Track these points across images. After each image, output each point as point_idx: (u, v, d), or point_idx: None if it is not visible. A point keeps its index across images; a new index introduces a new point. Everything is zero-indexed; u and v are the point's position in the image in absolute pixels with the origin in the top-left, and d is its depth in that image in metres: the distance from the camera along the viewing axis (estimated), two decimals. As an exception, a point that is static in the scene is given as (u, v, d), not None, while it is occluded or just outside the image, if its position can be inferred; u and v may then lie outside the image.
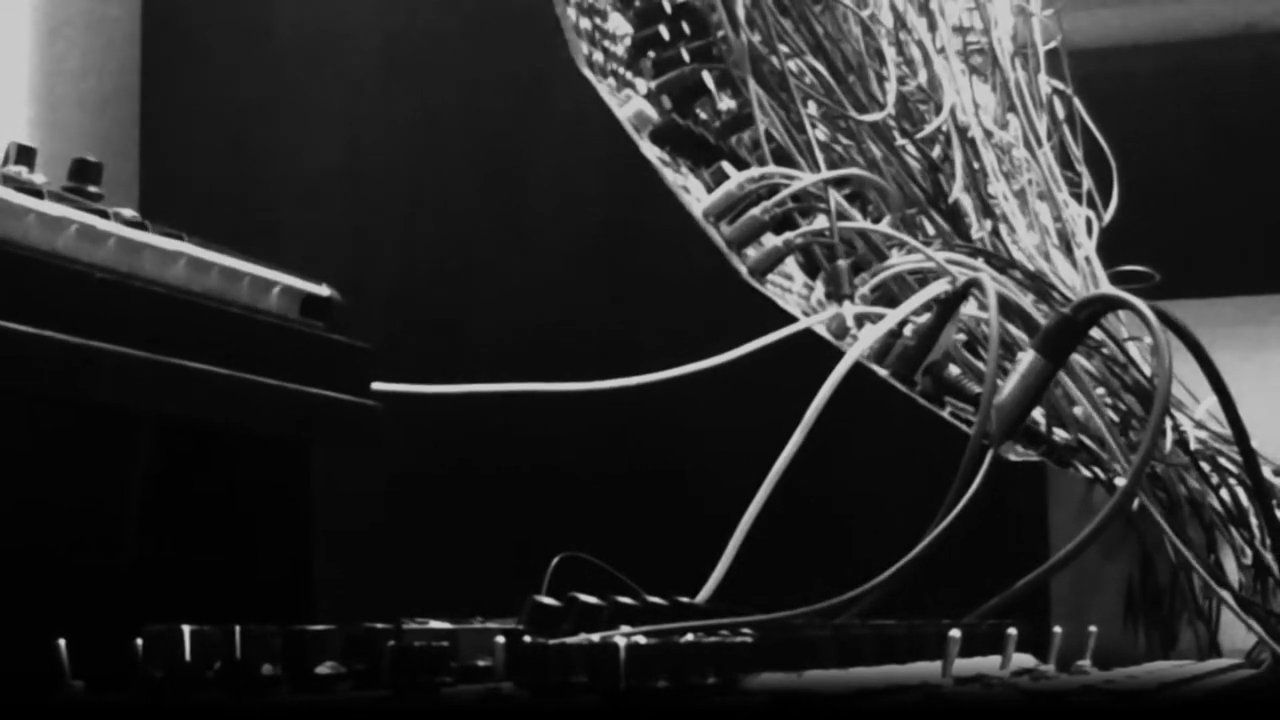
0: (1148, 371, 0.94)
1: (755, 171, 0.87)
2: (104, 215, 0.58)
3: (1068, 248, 1.14)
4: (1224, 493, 0.98)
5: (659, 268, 0.83)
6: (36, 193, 0.56)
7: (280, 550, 0.65)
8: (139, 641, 0.40)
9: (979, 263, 0.89)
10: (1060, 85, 1.47)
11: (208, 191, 0.94)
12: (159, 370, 0.57)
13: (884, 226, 0.96)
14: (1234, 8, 1.90)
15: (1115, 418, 0.87)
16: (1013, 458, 0.75)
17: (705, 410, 0.79)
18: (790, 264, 0.88)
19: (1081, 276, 1.11)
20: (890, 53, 1.11)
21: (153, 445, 0.59)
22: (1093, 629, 0.59)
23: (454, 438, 0.84)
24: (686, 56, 0.94)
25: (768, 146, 0.92)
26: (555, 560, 0.70)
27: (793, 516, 0.72)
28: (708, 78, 0.94)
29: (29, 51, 0.96)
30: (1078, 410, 0.84)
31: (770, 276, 0.84)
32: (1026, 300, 0.88)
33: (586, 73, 0.86)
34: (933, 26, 1.23)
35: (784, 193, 0.85)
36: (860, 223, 0.91)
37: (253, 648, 0.41)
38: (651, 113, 0.88)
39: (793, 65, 0.97)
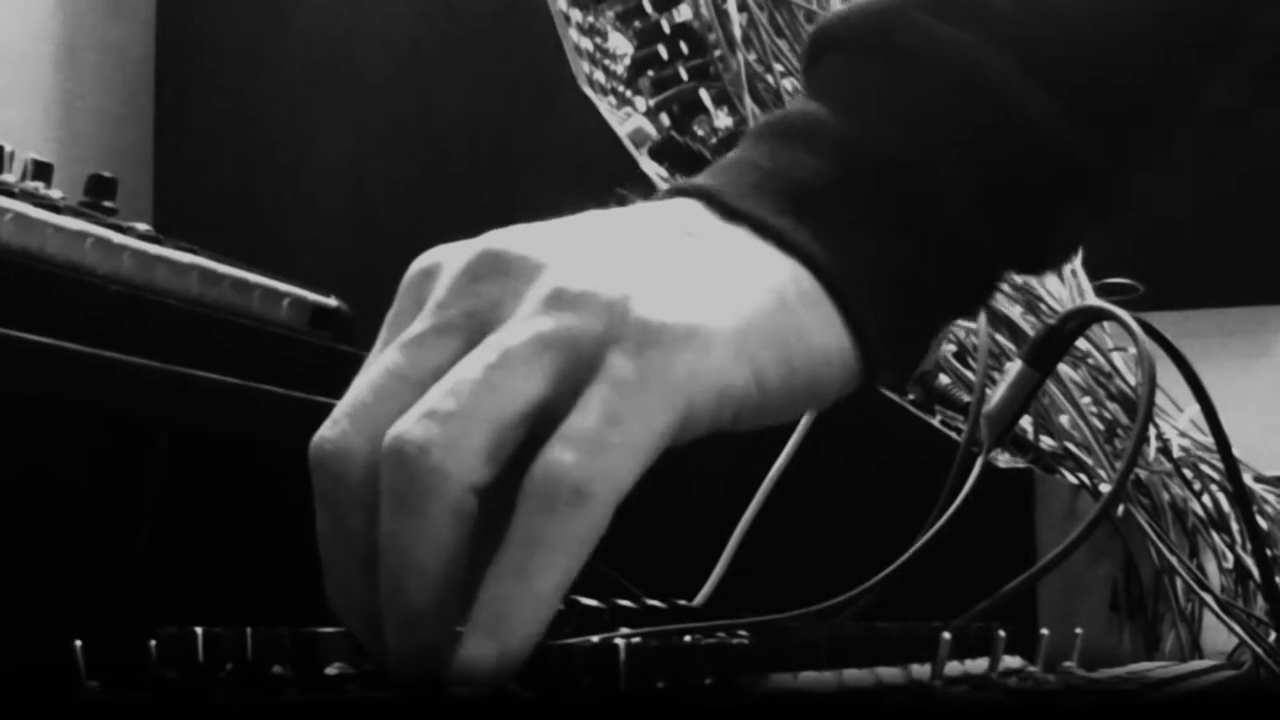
0: (1132, 381, 0.94)
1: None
2: (119, 229, 0.59)
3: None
4: (1206, 499, 0.98)
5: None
6: (54, 207, 0.57)
7: (289, 554, 0.66)
8: (153, 643, 0.40)
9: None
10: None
11: (219, 206, 0.95)
12: (172, 379, 0.58)
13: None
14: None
15: (1100, 426, 0.88)
16: (1001, 465, 0.76)
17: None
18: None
19: (1068, 289, 1.12)
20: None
21: (165, 452, 0.59)
22: (1079, 631, 0.60)
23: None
24: (684, 75, 0.95)
25: (763, 160, 0.93)
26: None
27: (788, 521, 0.73)
28: (705, 95, 0.95)
29: (46, 70, 0.97)
30: (1064, 419, 0.85)
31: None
32: (1014, 311, 0.89)
33: (587, 91, 0.87)
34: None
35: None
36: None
37: (263, 649, 0.41)
38: (650, 129, 0.89)
39: (787, 84, 0.98)
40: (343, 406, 0.40)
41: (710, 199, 0.45)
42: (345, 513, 0.39)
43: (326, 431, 0.40)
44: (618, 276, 0.40)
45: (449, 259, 0.42)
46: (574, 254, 0.41)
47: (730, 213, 0.44)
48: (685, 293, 0.41)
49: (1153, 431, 0.92)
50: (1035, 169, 0.47)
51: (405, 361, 0.40)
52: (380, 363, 0.41)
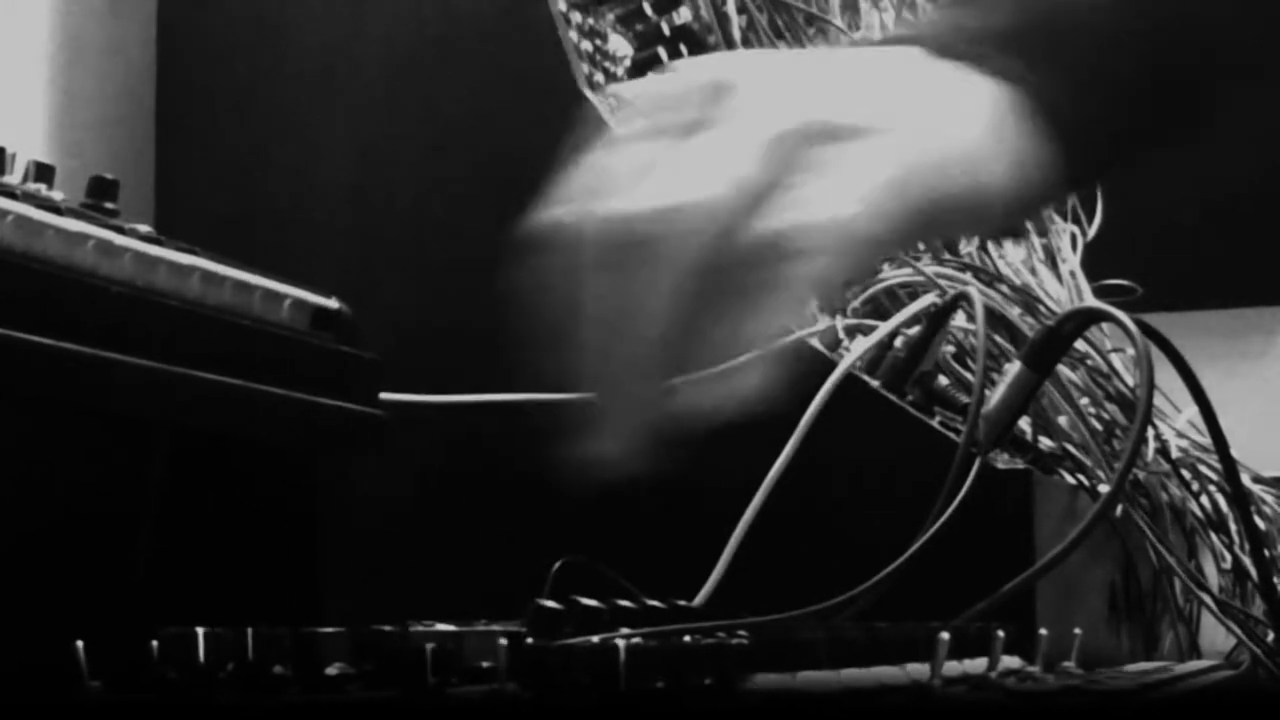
0: (1130, 382, 0.95)
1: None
2: (120, 231, 0.59)
3: (1053, 262, 1.15)
4: (1204, 499, 0.98)
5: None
6: (55, 209, 0.57)
7: (290, 554, 0.66)
8: (155, 643, 0.41)
9: (967, 277, 0.90)
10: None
11: (221, 207, 0.95)
12: (173, 381, 0.58)
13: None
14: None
15: (1099, 427, 0.88)
16: (1000, 465, 0.76)
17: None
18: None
19: (1066, 290, 1.12)
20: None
21: (167, 453, 0.60)
22: (1077, 631, 0.60)
23: (459, 446, 0.85)
24: (684, 76, 0.95)
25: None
26: (557, 565, 0.72)
27: (787, 522, 0.73)
28: (704, 95, 0.95)
29: (48, 73, 0.97)
30: (1062, 419, 0.85)
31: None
32: (1013, 313, 0.89)
33: (588, 93, 0.87)
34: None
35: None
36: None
37: (264, 649, 0.42)
38: (650, 131, 0.89)
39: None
40: (569, 192, 0.45)
41: (923, 43, 0.49)
42: (570, 282, 0.44)
43: (555, 210, 0.45)
44: (828, 97, 0.46)
45: (675, 79, 0.48)
46: (786, 80, 0.47)
47: (945, 50, 0.49)
48: (887, 108, 0.46)
49: (1151, 432, 0.92)
50: (1197, 40, 0.52)
51: (627, 154, 0.45)
52: (605, 154, 0.46)
